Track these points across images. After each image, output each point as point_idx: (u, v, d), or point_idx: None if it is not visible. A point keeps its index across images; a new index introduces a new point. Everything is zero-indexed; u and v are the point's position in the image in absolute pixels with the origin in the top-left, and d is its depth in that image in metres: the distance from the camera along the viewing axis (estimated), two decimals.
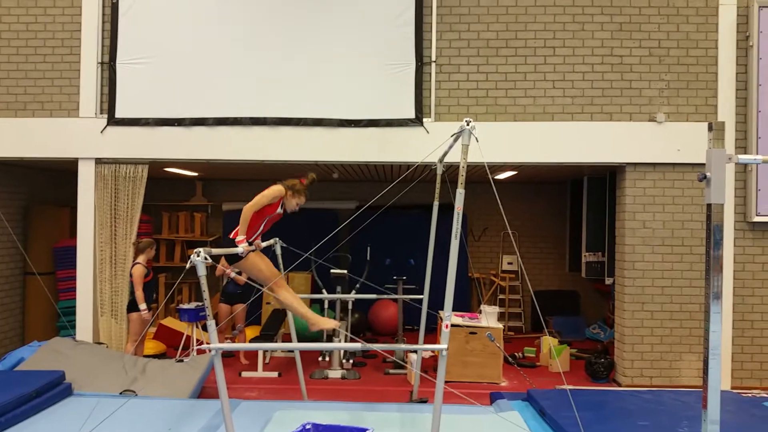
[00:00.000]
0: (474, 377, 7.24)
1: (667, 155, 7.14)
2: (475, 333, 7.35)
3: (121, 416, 4.93)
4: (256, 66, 7.38)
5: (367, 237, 8.11)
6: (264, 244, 5.31)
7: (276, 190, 4.85)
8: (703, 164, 2.94)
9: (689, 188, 7.15)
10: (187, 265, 3.67)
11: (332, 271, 7.83)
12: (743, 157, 3.08)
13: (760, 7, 7.02)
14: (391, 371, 7.75)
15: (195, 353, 7.41)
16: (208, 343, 3.91)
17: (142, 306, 7.05)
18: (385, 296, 7.53)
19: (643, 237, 7.20)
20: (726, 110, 7.15)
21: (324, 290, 7.87)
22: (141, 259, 7.25)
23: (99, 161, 7.51)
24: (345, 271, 7.98)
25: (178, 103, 7.39)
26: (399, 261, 9.94)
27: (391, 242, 10.23)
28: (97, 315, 7.51)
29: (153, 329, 8.91)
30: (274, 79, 7.37)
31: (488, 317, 7.63)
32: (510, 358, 7.84)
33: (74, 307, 7.59)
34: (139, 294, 7.07)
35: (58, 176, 9.21)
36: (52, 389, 5.60)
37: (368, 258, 8.56)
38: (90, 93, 7.48)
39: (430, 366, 7.66)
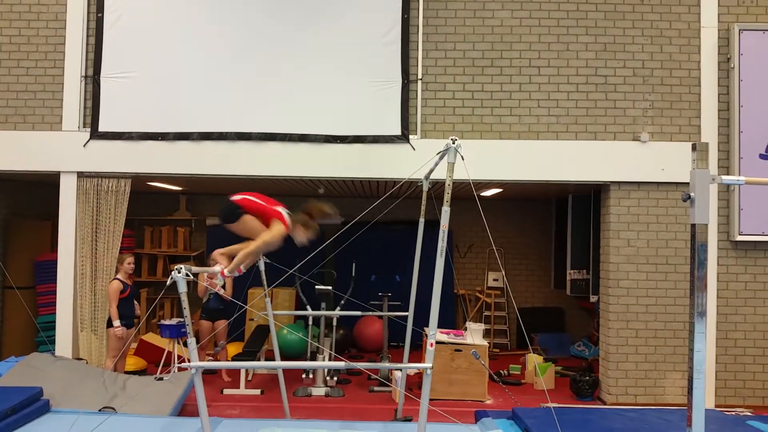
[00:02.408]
0: (459, 395, 7.19)
1: (651, 174, 7.20)
2: (460, 350, 7.31)
3: None
4: (241, 81, 7.37)
5: (353, 253, 8.06)
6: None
7: (281, 231, 4.84)
8: (687, 183, 2.96)
9: (673, 207, 7.21)
10: (168, 281, 3.62)
11: (317, 287, 7.78)
12: (727, 178, 3.10)
13: (740, 30, 7.14)
14: (376, 389, 7.69)
15: (176, 370, 7.31)
16: (189, 361, 3.85)
17: (116, 323, 6.95)
18: (371, 313, 7.50)
19: (627, 255, 7.23)
20: (709, 130, 7.24)
21: (309, 307, 7.81)
22: (119, 274, 7.16)
23: (81, 175, 7.43)
24: (330, 288, 7.93)
25: (162, 117, 7.35)
26: (384, 277, 9.90)
27: (377, 258, 10.20)
28: (77, 330, 7.39)
29: (134, 345, 8.78)
30: (260, 94, 7.36)
31: (473, 334, 7.60)
32: (495, 376, 7.81)
33: (54, 322, 7.47)
34: (112, 310, 6.98)
35: (40, 189, 9.10)
36: (29, 406, 5.48)
37: (353, 274, 8.52)
38: (73, 106, 7.42)
39: (415, 383, 7.61)
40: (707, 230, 2.97)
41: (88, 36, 7.48)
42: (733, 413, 6.31)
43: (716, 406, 6.98)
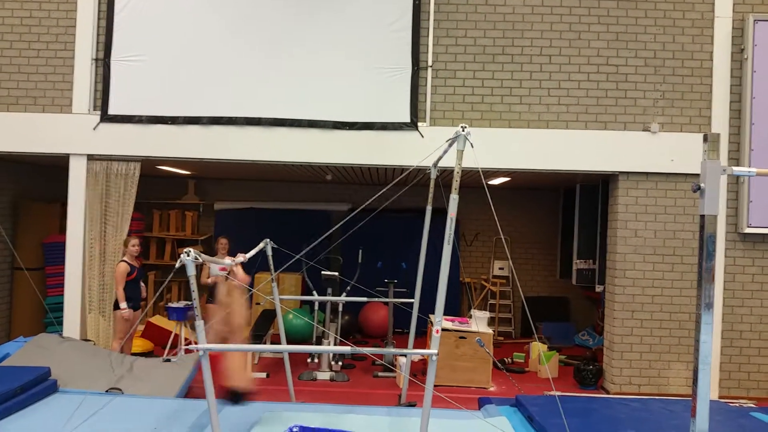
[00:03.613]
0: (463, 382, 7.24)
1: (661, 165, 7.17)
2: (464, 338, 7.34)
3: (107, 414, 4.90)
4: (251, 66, 7.36)
5: (360, 239, 8.09)
6: (253, 251, 5.28)
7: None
8: (696, 175, 2.97)
9: (681, 198, 7.18)
10: (177, 265, 3.64)
11: (323, 272, 7.81)
12: (737, 169, 3.09)
13: (755, 20, 7.06)
14: (380, 374, 7.73)
15: (183, 352, 7.37)
16: (196, 343, 3.89)
17: (122, 305, 6.97)
18: (376, 299, 7.52)
19: (634, 246, 7.22)
20: (720, 122, 7.19)
21: (315, 292, 7.85)
22: (126, 256, 7.19)
23: (91, 158, 7.46)
24: (336, 273, 7.96)
25: (172, 101, 7.36)
26: (391, 264, 9.93)
27: (384, 245, 10.21)
28: (85, 311, 7.45)
29: (141, 327, 8.86)
30: (270, 79, 7.35)
31: (478, 322, 7.63)
32: (499, 364, 7.84)
33: (62, 303, 7.53)
34: (119, 292, 7.00)
35: (49, 171, 9.15)
36: (38, 385, 5.54)
37: (360, 260, 8.54)
38: (83, 89, 7.44)
39: (419, 369, 7.64)
40: (716, 221, 2.96)
41: (98, 19, 7.48)
42: (737, 404, 6.32)
43: (720, 397, 6.99)
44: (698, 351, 2.93)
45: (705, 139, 2.96)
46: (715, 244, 2.97)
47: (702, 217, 2.95)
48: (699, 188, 2.93)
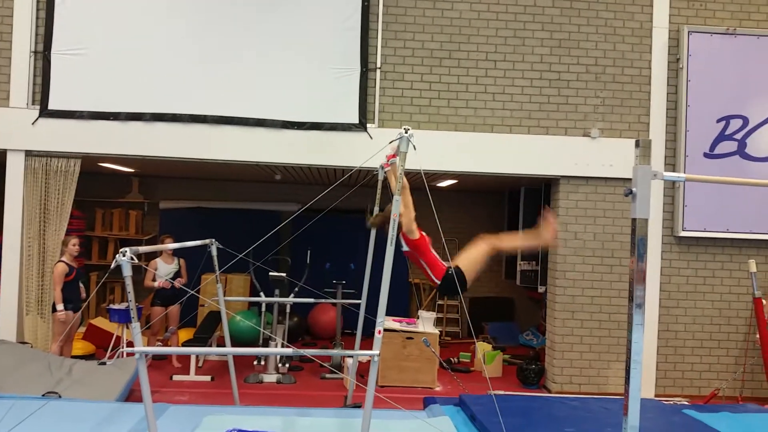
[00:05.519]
0: (409, 382, 7.29)
1: (600, 170, 7.38)
2: (411, 338, 7.40)
3: (42, 419, 4.73)
4: (197, 62, 7.25)
5: (308, 240, 8.07)
6: (192, 244, 5.21)
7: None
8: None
9: (620, 202, 7.41)
10: (112, 265, 3.56)
11: (271, 274, 7.75)
12: (668, 175, 3.20)
13: (689, 31, 7.35)
14: (328, 376, 7.72)
15: (125, 355, 7.20)
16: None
17: (59, 306, 6.76)
18: (324, 300, 7.50)
19: (574, 248, 7.42)
20: (657, 128, 7.46)
21: (262, 293, 7.78)
22: (64, 256, 6.98)
23: (29, 154, 7.22)
24: (284, 275, 7.90)
25: (114, 96, 7.18)
26: (339, 265, 9.92)
27: (332, 246, 10.20)
28: (23, 313, 7.20)
29: (83, 329, 8.60)
30: (217, 76, 7.25)
31: (425, 322, 7.70)
32: (444, 363, 7.93)
33: None
34: (57, 294, 6.80)
35: None
36: None
37: (308, 261, 8.51)
38: (21, 82, 7.18)
39: (367, 371, 7.65)
40: (647, 225, 3.06)
41: (38, 9, 7.24)
42: (671, 402, 6.55)
43: (656, 395, 7.23)
44: (630, 350, 3.03)
45: (637, 144, 3.06)
46: (646, 246, 3.07)
47: (633, 220, 3.06)
48: (631, 192, 3.03)
